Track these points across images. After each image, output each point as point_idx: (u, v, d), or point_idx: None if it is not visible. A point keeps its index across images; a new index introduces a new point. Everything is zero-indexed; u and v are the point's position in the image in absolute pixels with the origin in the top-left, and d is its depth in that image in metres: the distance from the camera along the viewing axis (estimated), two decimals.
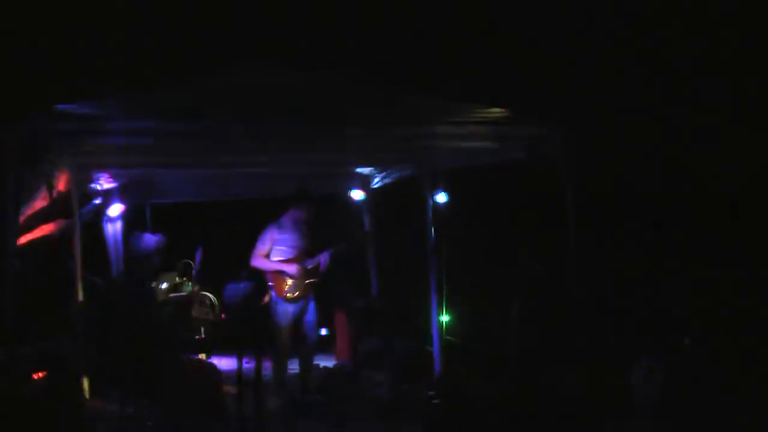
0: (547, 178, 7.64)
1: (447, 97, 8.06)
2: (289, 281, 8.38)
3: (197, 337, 8.97)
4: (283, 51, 8.16)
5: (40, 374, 6.76)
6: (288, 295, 8.38)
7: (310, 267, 8.48)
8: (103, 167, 8.24)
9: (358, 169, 10.41)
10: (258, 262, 8.50)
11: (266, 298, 8.64)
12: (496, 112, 7.67)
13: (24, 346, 6.48)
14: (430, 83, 8.93)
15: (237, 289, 10.42)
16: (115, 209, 9.34)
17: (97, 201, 9.17)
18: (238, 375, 7.02)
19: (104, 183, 8.76)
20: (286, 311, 8.40)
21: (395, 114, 7.66)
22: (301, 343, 8.59)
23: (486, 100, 7.81)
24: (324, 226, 8.93)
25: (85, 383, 7.44)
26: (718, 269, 8.17)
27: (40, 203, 7.80)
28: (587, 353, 7.27)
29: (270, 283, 8.47)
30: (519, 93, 9.02)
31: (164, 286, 10.64)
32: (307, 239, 8.60)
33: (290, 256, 8.45)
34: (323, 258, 8.56)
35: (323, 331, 10.19)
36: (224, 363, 9.85)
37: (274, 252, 8.49)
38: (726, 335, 7.44)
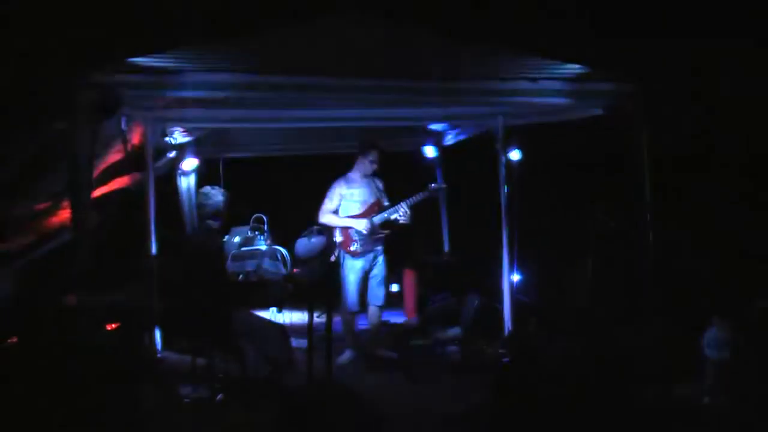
0: (623, 136, 7.48)
1: (524, 52, 7.94)
2: (357, 237, 8.33)
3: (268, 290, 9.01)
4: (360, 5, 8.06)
5: (113, 325, 6.86)
6: (355, 250, 8.34)
7: (378, 222, 8.41)
8: (177, 121, 8.27)
9: (432, 126, 10.32)
10: (325, 218, 8.44)
11: (336, 253, 8.58)
12: (574, 68, 7.54)
13: (98, 296, 6.57)
14: (506, 39, 8.74)
15: (309, 243, 10.47)
16: (189, 163, 9.40)
17: (171, 155, 9.22)
18: (308, 329, 7.03)
19: (178, 137, 8.80)
20: (354, 266, 8.34)
21: (471, 69, 7.56)
22: (369, 299, 8.54)
23: (564, 55, 7.69)
24: (396, 181, 8.84)
25: (157, 335, 7.53)
26: None
27: (114, 156, 7.87)
28: (658, 314, 7.15)
29: (338, 239, 8.40)
30: (598, 50, 8.82)
31: (236, 240, 10.74)
32: (378, 194, 8.54)
33: (360, 211, 8.38)
34: (402, 209, 8.39)
35: (393, 288, 10.16)
36: (295, 317, 9.93)
37: (344, 207, 8.39)
38: None
